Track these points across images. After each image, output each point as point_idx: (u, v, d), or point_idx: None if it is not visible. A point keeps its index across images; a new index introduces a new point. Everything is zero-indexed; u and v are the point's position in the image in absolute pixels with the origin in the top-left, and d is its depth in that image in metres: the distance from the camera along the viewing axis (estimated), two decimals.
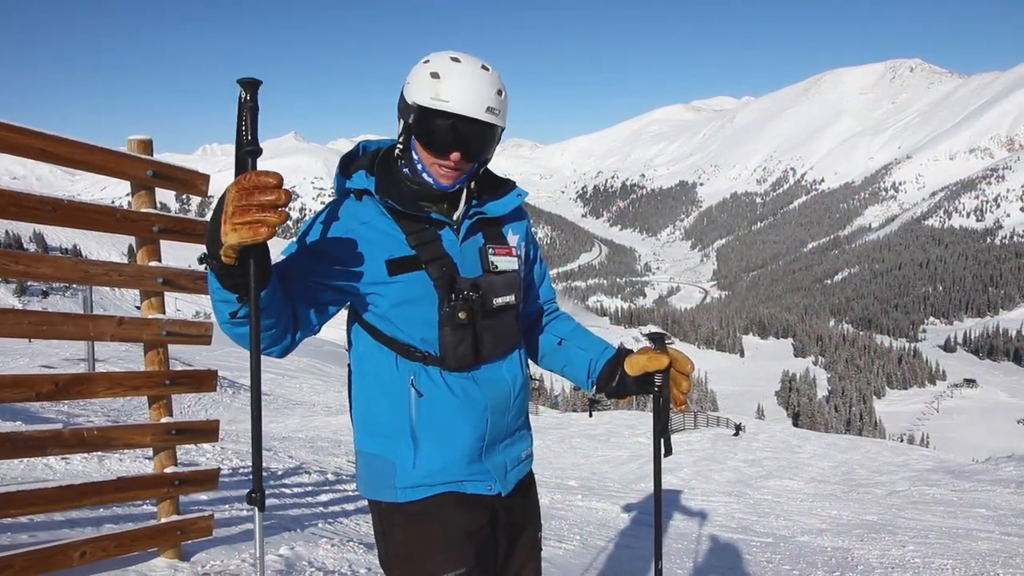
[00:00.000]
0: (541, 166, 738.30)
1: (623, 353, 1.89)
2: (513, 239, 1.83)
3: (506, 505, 1.80)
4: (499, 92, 1.61)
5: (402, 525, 1.68)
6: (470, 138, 1.59)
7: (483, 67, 1.60)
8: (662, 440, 1.85)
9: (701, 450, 22.20)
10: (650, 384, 1.83)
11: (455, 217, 1.71)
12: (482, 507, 1.73)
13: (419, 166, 1.66)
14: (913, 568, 5.90)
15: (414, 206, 1.66)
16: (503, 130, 1.67)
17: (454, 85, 1.56)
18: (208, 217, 1.45)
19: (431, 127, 1.59)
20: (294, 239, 1.66)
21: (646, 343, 1.88)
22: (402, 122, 1.66)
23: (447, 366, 1.66)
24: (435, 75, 1.57)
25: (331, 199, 1.74)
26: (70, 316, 2.92)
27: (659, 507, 1.96)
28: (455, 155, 1.60)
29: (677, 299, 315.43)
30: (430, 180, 1.66)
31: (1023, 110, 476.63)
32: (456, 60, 1.59)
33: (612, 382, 1.87)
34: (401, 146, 1.68)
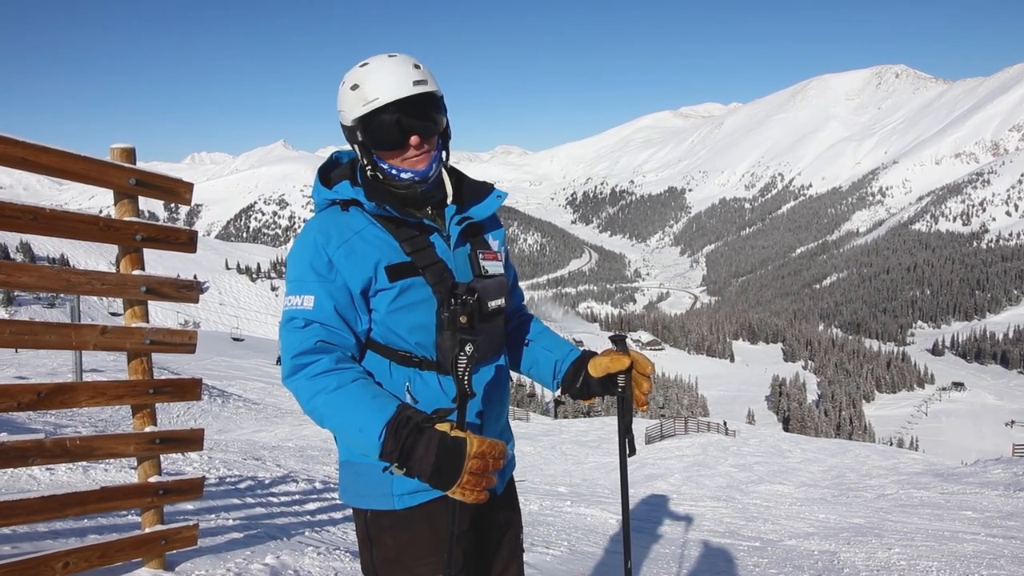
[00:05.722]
0: (530, 173, 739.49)
1: (587, 355, 1.93)
2: (494, 244, 1.86)
3: (491, 506, 1.82)
4: (416, 66, 1.66)
5: (391, 530, 1.68)
6: (415, 115, 1.63)
7: (390, 56, 1.66)
8: (626, 440, 1.89)
9: (692, 456, 22.23)
10: (613, 385, 1.86)
11: (446, 212, 1.75)
12: (468, 509, 1.74)
13: (393, 171, 1.69)
14: (899, 570, 5.93)
15: (405, 212, 1.69)
16: (443, 97, 1.72)
17: (374, 82, 1.61)
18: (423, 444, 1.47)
19: (378, 129, 1.63)
20: (305, 288, 1.63)
21: (610, 346, 1.91)
22: (356, 146, 1.70)
23: (444, 370, 1.68)
24: (355, 87, 1.63)
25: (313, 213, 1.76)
26: (52, 325, 2.89)
27: (626, 505, 1.99)
28: (414, 138, 1.64)
29: (667, 305, 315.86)
30: (410, 175, 1.68)
31: (1008, 115, 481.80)
32: (365, 64, 1.65)
33: (576, 383, 1.91)
34: (370, 167, 1.70)
